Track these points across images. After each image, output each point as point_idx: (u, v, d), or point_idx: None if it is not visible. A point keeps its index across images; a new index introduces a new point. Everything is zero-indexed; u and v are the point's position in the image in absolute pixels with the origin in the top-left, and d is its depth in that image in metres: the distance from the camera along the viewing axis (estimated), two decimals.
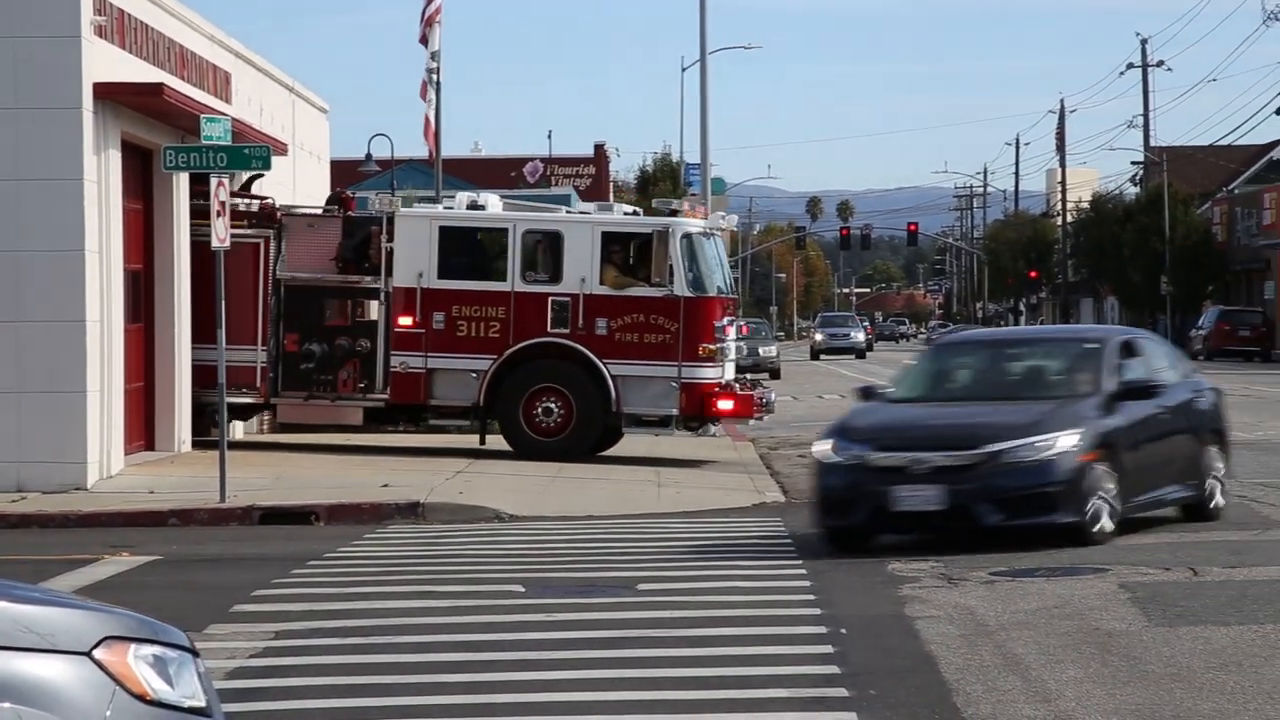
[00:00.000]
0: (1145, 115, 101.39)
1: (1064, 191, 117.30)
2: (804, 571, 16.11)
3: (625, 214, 28.49)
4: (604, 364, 26.98)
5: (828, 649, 12.29)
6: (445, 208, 28.43)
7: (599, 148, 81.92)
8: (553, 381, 27.25)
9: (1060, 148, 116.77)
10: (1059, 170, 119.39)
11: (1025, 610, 13.55)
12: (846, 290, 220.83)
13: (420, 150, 40.53)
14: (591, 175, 78.89)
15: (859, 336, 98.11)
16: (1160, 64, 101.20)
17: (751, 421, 28.70)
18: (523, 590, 15.20)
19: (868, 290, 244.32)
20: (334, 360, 27.55)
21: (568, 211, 29.32)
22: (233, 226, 26.11)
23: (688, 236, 27.23)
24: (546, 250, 27.43)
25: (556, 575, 16.25)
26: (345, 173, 45.73)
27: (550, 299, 27.14)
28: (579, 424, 27.21)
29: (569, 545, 18.56)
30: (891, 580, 15.40)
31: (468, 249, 27.87)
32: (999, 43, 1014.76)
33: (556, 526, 20.45)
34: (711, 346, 27.15)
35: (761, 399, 27.99)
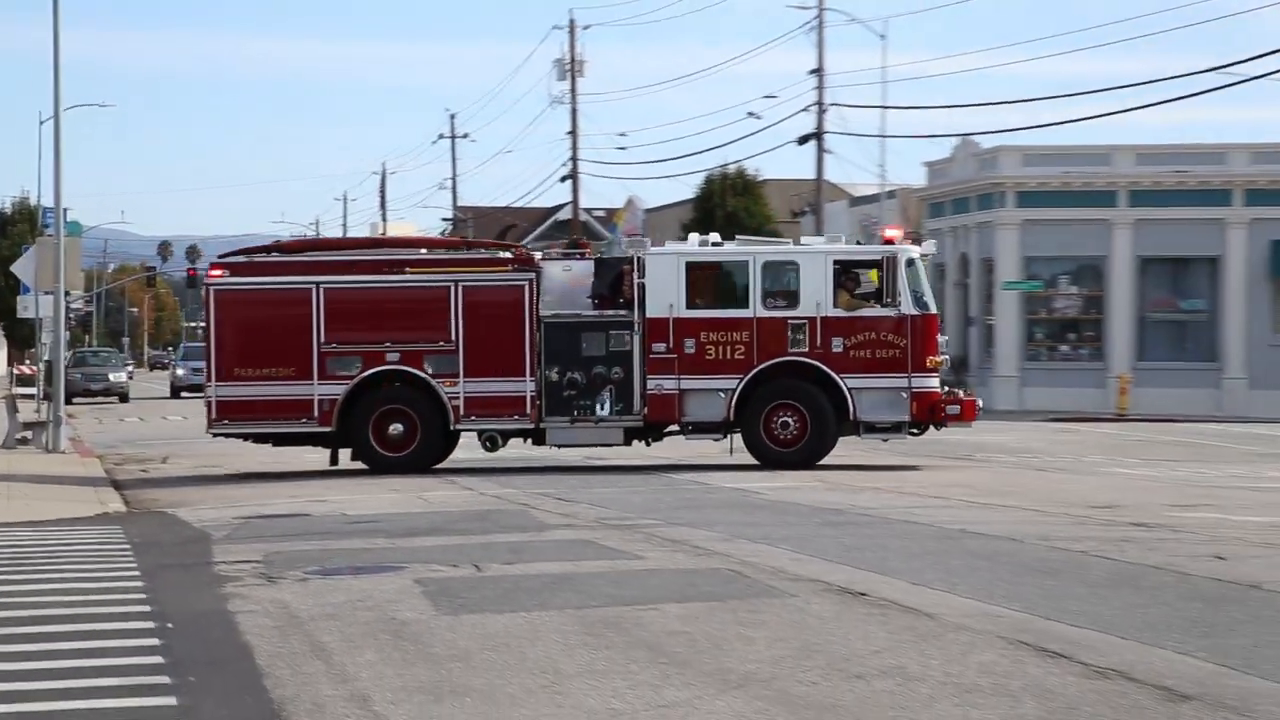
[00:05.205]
0: (453, 179, 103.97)
1: None
2: (138, 573, 15.73)
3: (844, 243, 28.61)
4: (841, 378, 27.19)
5: (154, 642, 12.05)
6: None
7: None
8: (791, 398, 27.45)
9: (383, 204, 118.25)
10: (381, 224, 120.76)
11: (333, 603, 13.65)
12: (194, 324, 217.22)
13: None
14: None
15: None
16: (466, 135, 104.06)
17: (973, 425, 28.36)
18: None
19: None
20: (593, 386, 27.53)
21: (795, 245, 29.20)
22: (496, 271, 27.51)
23: (911, 261, 27.43)
24: (784, 279, 27.59)
25: None
26: None
27: (789, 322, 27.36)
28: (814, 434, 27.45)
29: None
30: (217, 580, 15.23)
31: (711, 282, 27.83)
32: (329, 110, 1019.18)
33: None
34: (937, 359, 27.51)
35: (978, 404, 28.37)
